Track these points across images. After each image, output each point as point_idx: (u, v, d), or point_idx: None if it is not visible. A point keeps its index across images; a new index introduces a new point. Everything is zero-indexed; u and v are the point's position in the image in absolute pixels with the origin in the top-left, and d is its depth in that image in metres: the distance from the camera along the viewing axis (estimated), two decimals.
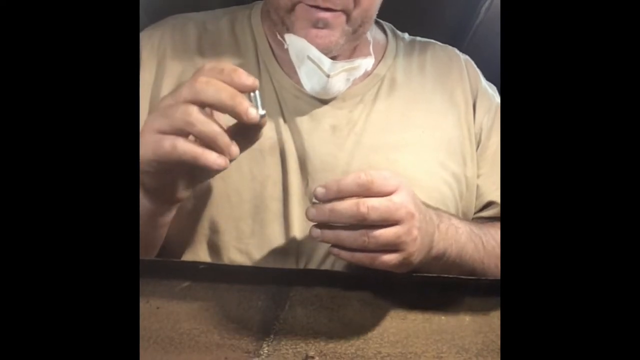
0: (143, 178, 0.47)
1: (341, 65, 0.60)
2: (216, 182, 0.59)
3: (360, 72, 0.63)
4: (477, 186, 0.69)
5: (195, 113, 0.43)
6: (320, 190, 0.46)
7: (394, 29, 0.77)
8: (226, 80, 0.43)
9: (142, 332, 0.47)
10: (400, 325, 0.49)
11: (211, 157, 0.43)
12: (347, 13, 0.59)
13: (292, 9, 0.59)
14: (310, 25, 0.59)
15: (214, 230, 0.60)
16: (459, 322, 0.49)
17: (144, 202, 0.50)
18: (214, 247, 0.60)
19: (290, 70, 0.64)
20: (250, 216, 0.59)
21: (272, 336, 0.48)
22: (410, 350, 0.48)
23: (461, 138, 0.68)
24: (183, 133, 0.43)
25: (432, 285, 0.48)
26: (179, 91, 0.43)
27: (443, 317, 0.49)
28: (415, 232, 0.47)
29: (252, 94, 0.45)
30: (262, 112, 0.45)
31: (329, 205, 0.45)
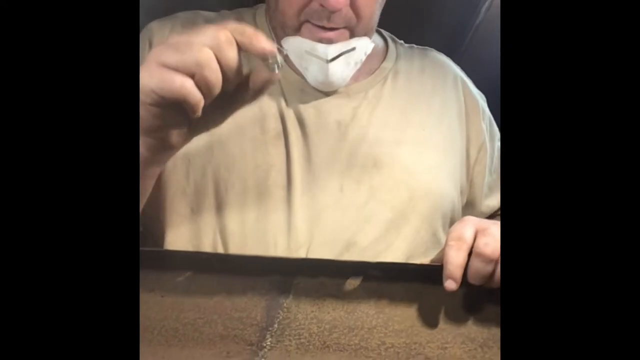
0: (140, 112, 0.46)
1: (337, 48, 0.62)
2: (220, 170, 0.61)
3: (359, 56, 0.64)
4: (490, 187, 0.73)
5: (211, 58, 0.42)
6: (451, 286, 0.47)
7: (392, 36, 0.79)
8: (245, 43, 0.44)
9: (146, 323, 0.47)
10: (405, 315, 0.48)
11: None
12: (350, 29, 0.62)
13: (299, 28, 0.61)
14: (316, 41, 0.61)
15: (219, 217, 0.60)
16: (464, 312, 0.49)
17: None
18: (218, 235, 0.60)
19: (295, 66, 0.66)
20: (254, 203, 0.60)
21: (275, 326, 0.47)
22: (414, 340, 0.48)
23: (458, 140, 0.72)
24: (190, 72, 0.43)
25: (437, 274, 0.47)
26: (199, 34, 0.43)
27: (448, 307, 0.49)
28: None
29: (270, 60, 0.45)
30: (277, 70, 0.46)
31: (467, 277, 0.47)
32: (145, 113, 0.45)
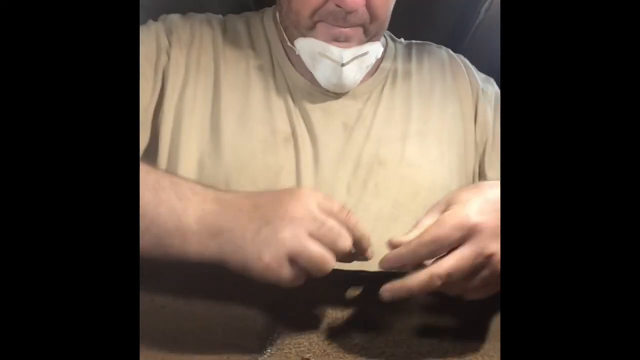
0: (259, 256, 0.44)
1: (352, 52, 0.63)
2: (231, 172, 0.61)
3: (370, 60, 0.66)
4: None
5: (349, 244, 0.45)
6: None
7: (391, 34, 0.80)
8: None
9: (146, 331, 0.47)
10: (405, 324, 0.48)
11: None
12: (364, 27, 0.63)
13: (313, 27, 0.63)
14: (330, 39, 0.62)
15: None
16: (464, 321, 0.49)
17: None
18: None
19: (302, 69, 0.67)
20: None
21: (275, 335, 0.47)
22: (415, 350, 0.48)
23: (463, 129, 0.72)
24: (329, 248, 0.44)
25: None
26: (342, 217, 0.46)
27: (448, 316, 0.49)
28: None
29: None
30: None
31: (403, 286, 0.44)
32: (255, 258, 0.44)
